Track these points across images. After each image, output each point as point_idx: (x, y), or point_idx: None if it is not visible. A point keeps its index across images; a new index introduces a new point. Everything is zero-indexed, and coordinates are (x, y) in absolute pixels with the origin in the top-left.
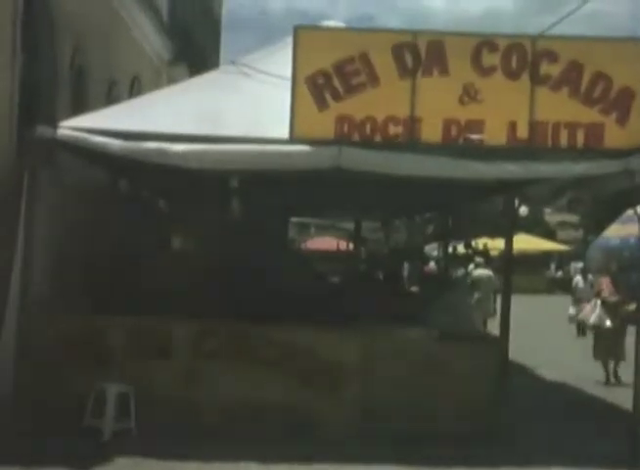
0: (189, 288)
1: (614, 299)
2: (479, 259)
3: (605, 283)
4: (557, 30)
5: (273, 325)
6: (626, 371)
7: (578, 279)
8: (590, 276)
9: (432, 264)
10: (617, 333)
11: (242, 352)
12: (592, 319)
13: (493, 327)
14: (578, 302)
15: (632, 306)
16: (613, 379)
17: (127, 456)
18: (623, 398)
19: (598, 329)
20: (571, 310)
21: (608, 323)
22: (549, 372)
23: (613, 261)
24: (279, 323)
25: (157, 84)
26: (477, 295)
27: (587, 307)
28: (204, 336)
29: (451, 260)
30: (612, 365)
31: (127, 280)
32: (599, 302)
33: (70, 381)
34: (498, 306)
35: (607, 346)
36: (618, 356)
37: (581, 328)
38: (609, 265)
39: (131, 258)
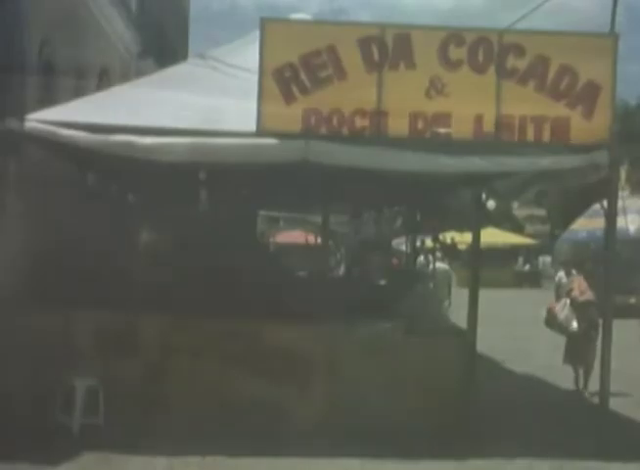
0: (158, 282)
1: (582, 299)
2: (437, 254)
3: (576, 281)
4: (524, 25)
5: (241, 320)
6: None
7: (561, 275)
8: (574, 272)
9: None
10: (587, 337)
11: (209, 346)
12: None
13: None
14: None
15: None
16: (583, 390)
17: (96, 451)
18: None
19: (566, 331)
20: None
21: (574, 325)
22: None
23: (586, 258)
24: (247, 318)
25: (125, 77)
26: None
27: (557, 307)
28: (172, 331)
29: (420, 254)
30: (581, 372)
31: (96, 274)
32: (568, 301)
33: (39, 376)
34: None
35: (576, 351)
36: (588, 364)
37: None
38: (580, 262)
39: (99, 252)
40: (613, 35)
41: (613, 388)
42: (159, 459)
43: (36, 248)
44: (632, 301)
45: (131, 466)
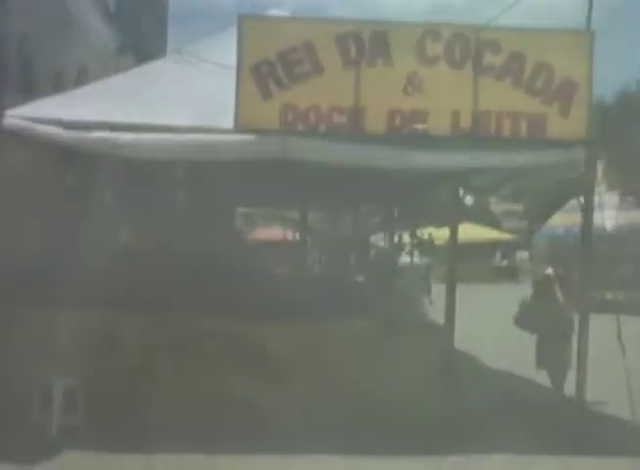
0: (136, 280)
1: (557, 294)
2: (415, 250)
3: (553, 277)
4: (501, 22)
5: (221, 318)
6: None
7: (550, 271)
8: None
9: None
10: (562, 335)
11: (189, 344)
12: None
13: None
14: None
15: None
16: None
17: (76, 451)
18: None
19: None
20: None
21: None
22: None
23: (564, 254)
24: (227, 316)
25: (104, 73)
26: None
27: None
28: (152, 329)
29: (398, 250)
30: (558, 376)
31: (74, 273)
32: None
33: (17, 376)
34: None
35: (549, 350)
36: (564, 364)
37: None
38: (558, 257)
39: (77, 250)
40: (589, 33)
41: (588, 384)
42: (138, 458)
43: (13, 246)
44: (609, 296)
45: (110, 465)
